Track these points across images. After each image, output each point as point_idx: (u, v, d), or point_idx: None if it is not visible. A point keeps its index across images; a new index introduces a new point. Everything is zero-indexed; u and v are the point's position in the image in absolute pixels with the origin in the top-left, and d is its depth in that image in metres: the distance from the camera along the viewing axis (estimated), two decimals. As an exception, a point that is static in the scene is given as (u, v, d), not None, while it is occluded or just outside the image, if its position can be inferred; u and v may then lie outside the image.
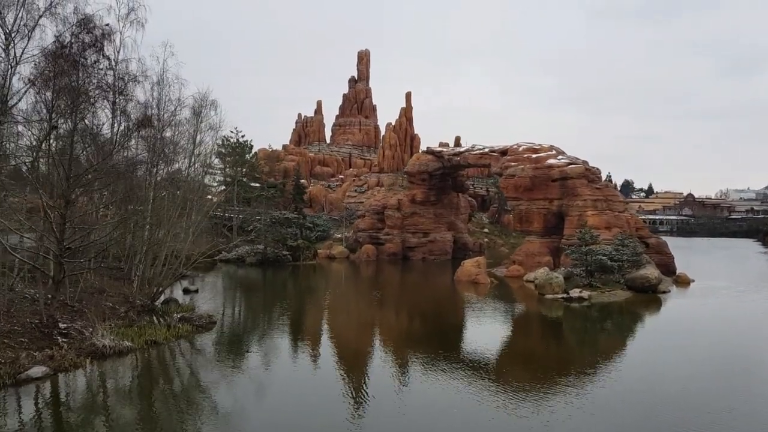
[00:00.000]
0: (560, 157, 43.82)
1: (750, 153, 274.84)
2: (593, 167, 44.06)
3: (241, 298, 33.72)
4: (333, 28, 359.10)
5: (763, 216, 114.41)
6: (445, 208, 55.94)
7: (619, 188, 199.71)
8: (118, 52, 28.00)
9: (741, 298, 33.87)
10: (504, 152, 46.30)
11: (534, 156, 44.06)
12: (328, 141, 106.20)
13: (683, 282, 39.21)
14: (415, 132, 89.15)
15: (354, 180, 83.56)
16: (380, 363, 19.06)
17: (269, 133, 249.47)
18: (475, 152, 49.69)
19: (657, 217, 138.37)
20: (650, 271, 34.52)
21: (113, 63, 27.50)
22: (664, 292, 34.38)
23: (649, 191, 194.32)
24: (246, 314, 28.67)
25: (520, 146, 45.55)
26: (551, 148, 45.08)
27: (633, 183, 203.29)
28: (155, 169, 29.26)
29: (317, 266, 47.91)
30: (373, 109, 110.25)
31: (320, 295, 35.49)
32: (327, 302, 32.45)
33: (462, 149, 52.41)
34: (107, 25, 27.28)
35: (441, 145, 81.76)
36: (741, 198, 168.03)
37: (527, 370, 18.22)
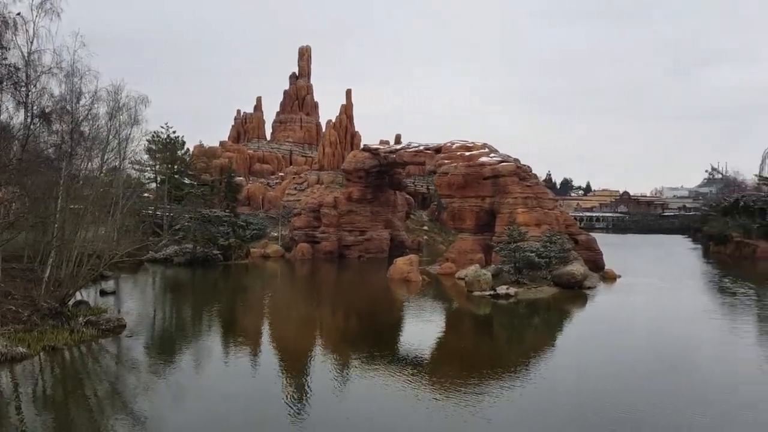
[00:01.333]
0: (492, 155, 44.12)
1: (686, 152, 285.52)
2: (524, 165, 44.54)
3: (161, 299, 32.63)
4: (278, 24, 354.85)
5: (694, 213, 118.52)
6: (382, 205, 55.70)
7: (558, 186, 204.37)
8: (31, 43, 26.58)
9: (663, 294, 34.80)
10: (438, 150, 46.35)
11: (467, 154, 44.23)
12: (268, 138, 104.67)
13: (610, 278, 40.04)
14: (356, 130, 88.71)
15: (294, 178, 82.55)
16: (313, 363, 18.81)
17: (208, 130, 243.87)
18: (410, 150, 49.60)
19: (594, 214, 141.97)
20: (576, 268, 35.06)
21: (25, 54, 26.08)
22: (589, 288, 34.99)
23: (587, 189, 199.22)
24: (163, 316, 27.69)
25: (453, 144, 45.68)
26: (484, 146, 45.35)
27: (572, 181, 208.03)
28: (68, 165, 27.83)
29: (250, 266, 46.97)
30: (315, 106, 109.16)
31: (248, 295, 34.75)
32: (254, 302, 31.73)
33: (398, 147, 52.29)
34: (18, 14, 25.91)
35: (382, 143, 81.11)
36: (674, 196, 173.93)
37: (456, 368, 18.25)
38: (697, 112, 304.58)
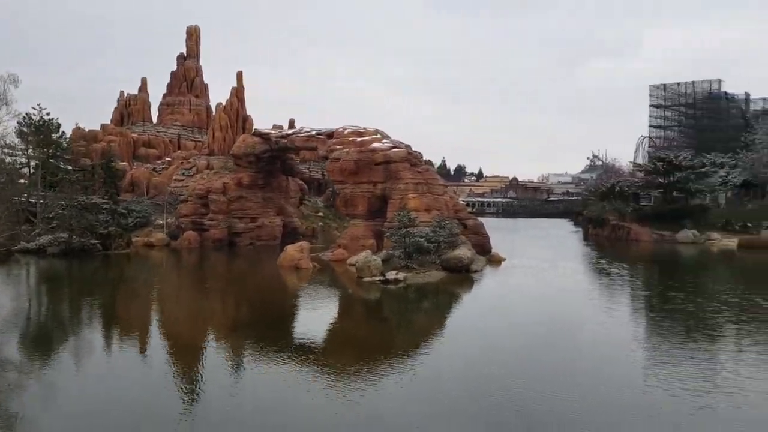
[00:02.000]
0: (385, 141, 44.18)
1: (572, 140, 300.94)
2: (415, 151, 44.96)
3: (36, 292, 30.23)
4: (165, 1, 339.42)
5: (576, 198, 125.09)
6: (274, 192, 54.57)
7: (452, 172, 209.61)
8: None
9: (544, 276, 36.26)
10: (330, 135, 45.87)
11: (359, 140, 44.03)
12: (154, 121, 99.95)
13: (496, 261, 41.30)
14: (248, 113, 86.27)
15: (182, 163, 79.19)
16: (196, 355, 17.86)
17: (90, 112, 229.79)
18: (302, 135, 48.77)
19: (485, 200, 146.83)
20: (463, 252, 35.82)
21: None
22: (476, 271, 35.87)
23: (480, 175, 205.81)
24: (38, 309, 25.59)
25: (345, 129, 45.33)
26: (376, 132, 45.33)
27: (465, 168, 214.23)
28: None
29: (132, 255, 44.59)
30: (205, 88, 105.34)
31: (129, 286, 32.88)
32: (135, 294, 30.04)
33: (290, 132, 51.30)
34: None
35: (275, 127, 79.76)
36: (559, 182, 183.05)
37: (346, 356, 17.93)
38: (582, 102, 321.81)
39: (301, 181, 62.33)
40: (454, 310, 26.93)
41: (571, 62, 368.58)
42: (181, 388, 14.76)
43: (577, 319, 23.64)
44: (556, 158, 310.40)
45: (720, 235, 57.23)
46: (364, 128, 45.36)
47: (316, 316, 24.53)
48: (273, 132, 52.02)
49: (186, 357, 17.75)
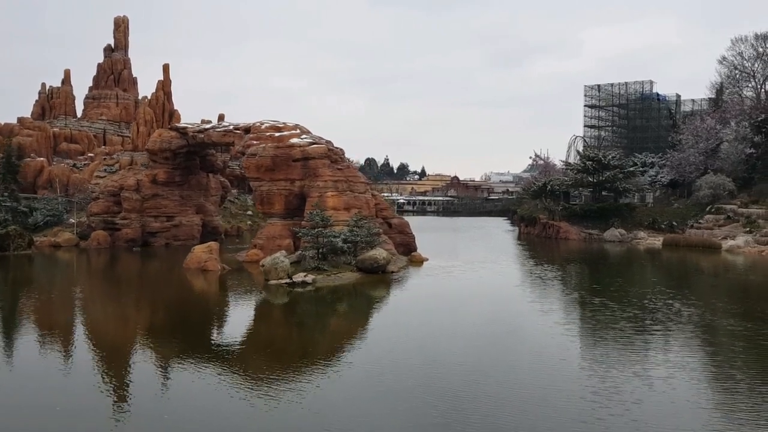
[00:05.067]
0: (304, 136, 42.39)
1: (517, 139, 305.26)
2: (337, 148, 43.34)
3: None
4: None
5: (515, 197, 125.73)
6: (192, 189, 52.02)
7: (395, 170, 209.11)
8: None
9: (464, 277, 35.11)
10: (247, 130, 43.77)
11: (277, 135, 42.11)
12: (79, 115, 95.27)
13: (417, 261, 40.05)
14: (176, 108, 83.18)
15: (105, 159, 75.48)
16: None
17: (8, 105, 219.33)
18: (219, 130, 46.50)
19: (426, 198, 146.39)
20: (379, 252, 34.37)
21: None
22: (393, 272, 34.50)
23: (422, 174, 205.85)
24: None
25: (263, 124, 43.31)
26: (296, 126, 43.48)
27: (408, 166, 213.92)
28: None
29: (33, 256, 41.53)
30: (134, 81, 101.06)
31: (21, 290, 30.06)
32: (24, 299, 27.37)
33: (207, 126, 48.81)
34: None
35: (203, 122, 76.92)
36: (500, 180, 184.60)
37: (247, 360, 16.21)
38: (526, 101, 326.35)
39: (223, 179, 59.87)
40: (363, 313, 25.46)
41: (513, 61, 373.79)
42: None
43: (479, 329, 22.27)
44: (500, 157, 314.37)
45: (646, 233, 57.60)
46: (283, 123, 43.46)
47: (214, 322, 22.78)
48: (190, 126, 49.47)
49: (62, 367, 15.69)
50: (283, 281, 29.91)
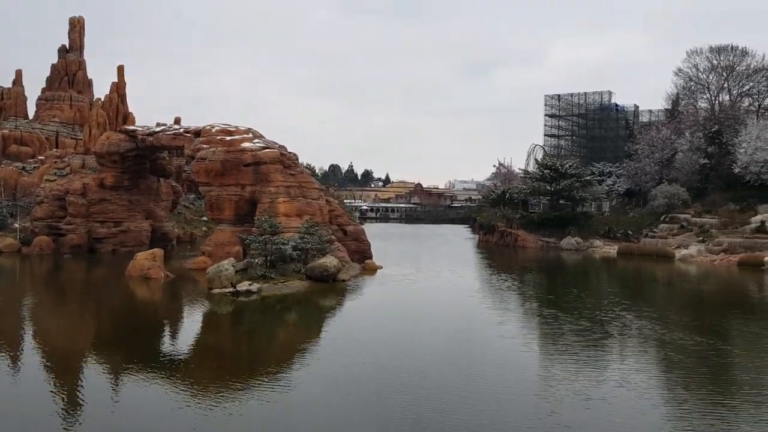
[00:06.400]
0: (256, 140, 41.28)
1: (482, 147, 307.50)
2: (290, 153, 42.36)
3: None
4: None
5: (477, 205, 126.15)
6: (142, 194, 50.41)
7: (359, 177, 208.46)
8: None
9: (414, 285, 34.50)
10: (198, 133, 42.49)
11: (228, 138, 40.90)
12: (31, 117, 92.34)
13: (370, 269, 39.29)
14: (130, 110, 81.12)
15: (55, 162, 73.07)
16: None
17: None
18: (169, 133, 45.12)
19: (389, 205, 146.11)
20: (329, 260, 33.51)
21: None
22: (344, 281, 33.64)
23: (387, 181, 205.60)
24: None
25: (213, 127, 42.06)
26: (248, 130, 42.36)
27: (372, 172, 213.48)
28: None
29: (-33, 263, 39.58)
30: (89, 83, 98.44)
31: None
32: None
33: (157, 129, 47.33)
34: None
35: (159, 125, 75.22)
36: (464, 188, 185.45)
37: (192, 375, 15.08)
38: (491, 110, 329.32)
39: (175, 183, 58.30)
40: (308, 323, 24.62)
41: (480, 71, 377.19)
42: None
43: (424, 341, 21.54)
44: (466, 165, 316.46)
45: (602, 242, 57.87)
46: (235, 127, 42.29)
47: (149, 333, 21.63)
48: (140, 129, 47.93)
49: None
50: (227, 290, 28.79)
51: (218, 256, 37.55)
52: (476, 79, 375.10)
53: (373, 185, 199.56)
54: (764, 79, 65.73)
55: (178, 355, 19.02)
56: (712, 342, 20.14)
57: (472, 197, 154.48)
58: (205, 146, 40.54)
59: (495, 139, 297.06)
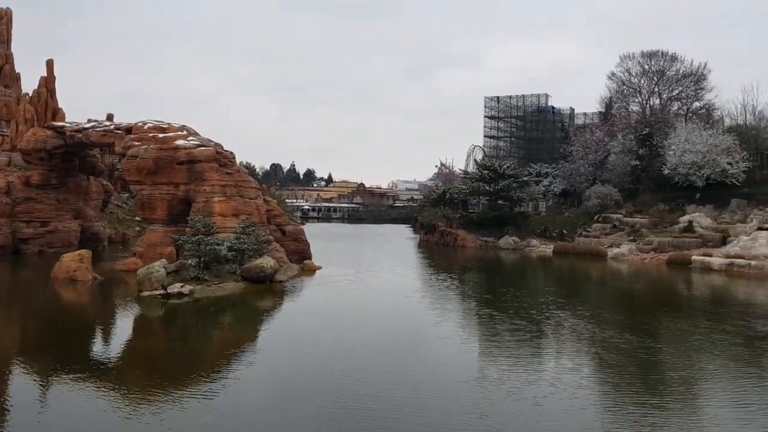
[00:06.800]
0: (191, 138, 40.12)
1: (425, 148, 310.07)
2: (227, 151, 41.35)
3: None
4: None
5: (419, 204, 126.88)
6: (71, 193, 48.37)
7: (302, 177, 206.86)
8: None
9: (352, 285, 34.19)
10: (129, 130, 41.02)
11: (161, 136, 39.60)
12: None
13: (309, 270, 38.76)
14: (60, 106, 77.95)
15: (-22, 159, 69.47)
16: None
17: None
18: (99, 129, 43.41)
19: (331, 205, 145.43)
20: (266, 261, 32.86)
21: None
22: (281, 282, 33.07)
23: (329, 180, 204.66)
24: None
25: (146, 124, 40.69)
26: (182, 127, 41.14)
27: (315, 172, 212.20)
28: None
29: None
30: (17, 77, 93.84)
31: None
32: None
33: (87, 125, 45.45)
34: None
35: (90, 121, 72.47)
36: (406, 188, 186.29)
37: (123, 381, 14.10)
38: (433, 111, 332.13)
39: (106, 182, 56.23)
40: (241, 326, 23.93)
41: (422, 71, 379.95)
42: None
43: (360, 342, 21.29)
44: (409, 165, 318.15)
45: (539, 241, 58.95)
46: (168, 123, 41.02)
47: (72, 339, 20.53)
48: (68, 125, 45.98)
49: None
50: (157, 292, 27.79)
51: (150, 257, 36.29)
52: (421, 80, 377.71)
53: (315, 185, 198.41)
54: (692, 83, 68.37)
55: (107, 359, 18.18)
56: (641, 340, 20.57)
57: (414, 197, 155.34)
58: (136, 143, 39.14)
59: (438, 140, 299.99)
